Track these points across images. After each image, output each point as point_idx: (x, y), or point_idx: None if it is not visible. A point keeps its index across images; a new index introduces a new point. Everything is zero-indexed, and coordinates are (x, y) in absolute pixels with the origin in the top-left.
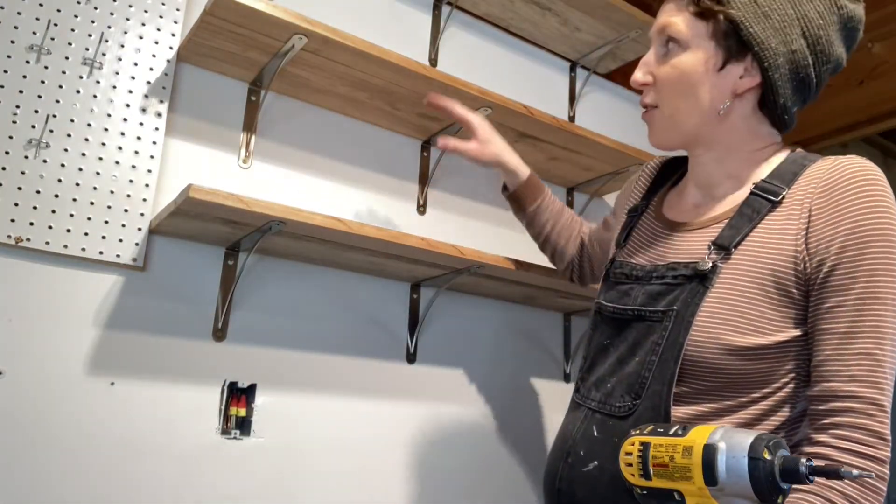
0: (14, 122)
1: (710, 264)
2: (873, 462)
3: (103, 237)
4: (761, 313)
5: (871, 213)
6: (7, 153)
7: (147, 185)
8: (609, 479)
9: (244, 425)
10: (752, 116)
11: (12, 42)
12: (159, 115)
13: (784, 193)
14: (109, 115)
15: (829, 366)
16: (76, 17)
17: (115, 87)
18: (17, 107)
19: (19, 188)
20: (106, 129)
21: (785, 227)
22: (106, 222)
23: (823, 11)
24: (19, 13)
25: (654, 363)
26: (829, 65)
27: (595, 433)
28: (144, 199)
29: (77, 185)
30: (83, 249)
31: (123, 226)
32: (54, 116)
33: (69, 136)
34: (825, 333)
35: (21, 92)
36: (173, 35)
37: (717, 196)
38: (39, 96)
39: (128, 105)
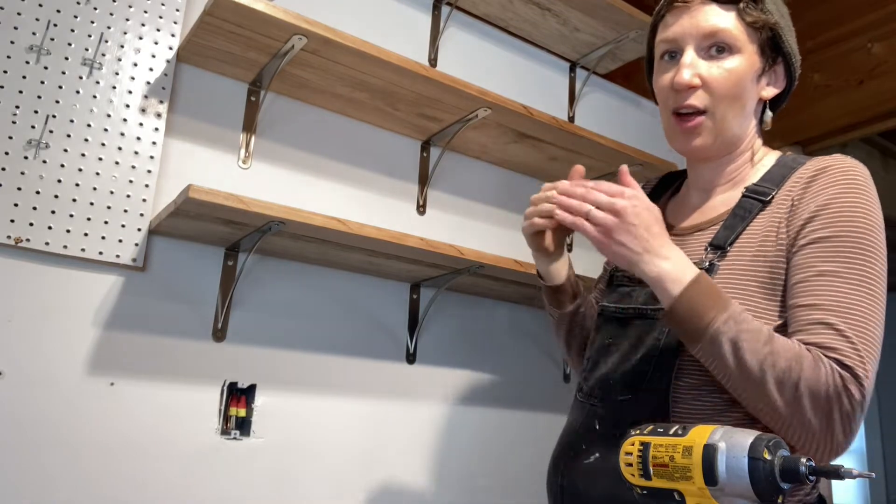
0: (14, 122)
1: (708, 263)
2: (850, 373)
3: (103, 237)
4: (757, 304)
5: (849, 198)
6: (7, 153)
7: (147, 186)
8: (610, 469)
9: (244, 425)
10: (758, 122)
11: (12, 42)
12: (159, 115)
13: (773, 194)
14: (109, 116)
15: (810, 309)
16: (76, 17)
17: (114, 87)
18: (17, 107)
19: (19, 188)
20: (106, 130)
21: (772, 221)
22: (106, 223)
23: None
24: (19, 13)
25: (654, 358)
26: None
27: (596, 426)
28: (144, 200)
29: (77, 185)
30: (83, 250)
31: (123, 226)
32: (54, 116)
33: (69, 136)
34: (803, 282)
35: (21, 92)
36: (173, 35)
37: (714, 199)
38: (39, 96)
39: (128, 105)
